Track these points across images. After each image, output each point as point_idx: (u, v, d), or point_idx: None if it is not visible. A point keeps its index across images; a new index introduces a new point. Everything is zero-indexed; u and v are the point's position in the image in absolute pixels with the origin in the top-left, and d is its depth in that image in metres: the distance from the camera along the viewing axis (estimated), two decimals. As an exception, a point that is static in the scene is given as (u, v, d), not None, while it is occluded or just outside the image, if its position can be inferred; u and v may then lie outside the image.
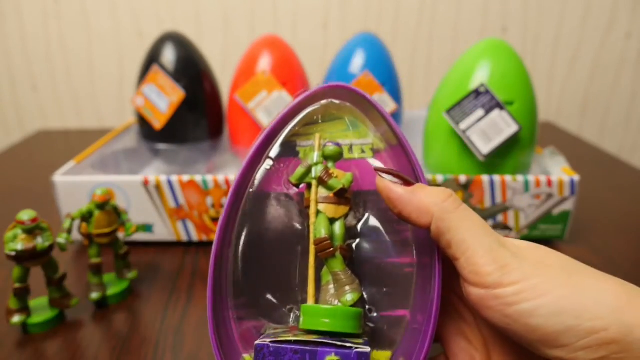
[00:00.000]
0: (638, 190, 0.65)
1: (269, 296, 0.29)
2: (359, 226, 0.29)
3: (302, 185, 0.29)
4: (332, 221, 0.28)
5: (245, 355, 0.28)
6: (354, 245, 0.29)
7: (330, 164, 0.29)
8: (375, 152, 0.29)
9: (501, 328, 0.22)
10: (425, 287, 0.26)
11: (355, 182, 0.29)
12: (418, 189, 0.24)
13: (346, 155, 0.29)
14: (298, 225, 0.29)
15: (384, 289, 0.28)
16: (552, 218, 0.49)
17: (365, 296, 0.28)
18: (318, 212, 0.28)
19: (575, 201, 0.49)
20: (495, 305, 0.22)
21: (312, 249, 0.27)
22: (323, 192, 0.28)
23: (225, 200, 0.28)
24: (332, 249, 0.26)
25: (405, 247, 0.28)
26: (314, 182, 0.28)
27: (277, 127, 0.29)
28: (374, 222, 0.29)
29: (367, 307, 0.28)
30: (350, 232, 0.29)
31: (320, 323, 0.25)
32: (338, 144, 0.29)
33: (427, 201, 0.24)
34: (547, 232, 0.50)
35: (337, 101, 0.29)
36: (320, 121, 0.29)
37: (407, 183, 0.25)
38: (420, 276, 0.27)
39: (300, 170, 0.28)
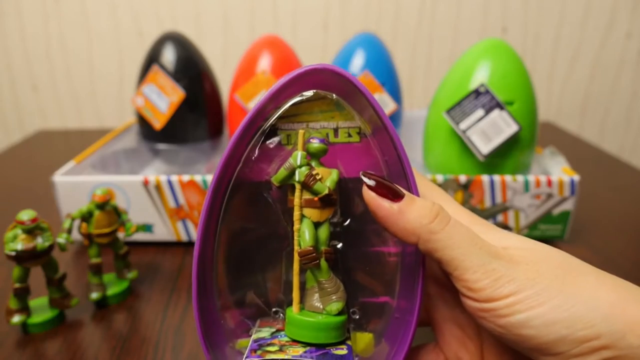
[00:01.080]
0: (638, 190, 0.65)
1: (254, 295, 0.29)
2: (345, 223, 0.28)
3: None
4: (317, 225, 0.27)
5: (240, 340, 0.28)
6: (339, 245, 0.28)
7: (314, 162, 0.27)
8: (362, 137, 0.27)
9: (496, 336, 0.23)
10: (410, 276, 0.26)
11: (340, 169, 0.28)
12: (405, 206, 0.23)
13: (331, 139, 0.27)
14: (282, 223, 0.28)
15: (368, 277, 0.28)
16: (552, 218, 0.49)
17: (350, 288, 0.28)
18: (302, 217, 0.27)
19: (575, 201, 0.49)
20: (488, 317, 0.22)
21: (296, 256, 0.27)
22: (307, 194, 0.27)
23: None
24: (317, 261, 0.26)
25: (390, 236, 0.28)
26: (297, 186, 0.27)
27: (256, 114, 0.26)
28: (359, 210, 0.28)
29: (351, 310, 0.28)
30: (336, 230, 0.28)
31: (304, 335, 0.26)
32: (322, 141, 0.27)
33: (413, 223, 0.23)
34: (547, 232, 0.50)
35: (322, 92, 0.27)
36: (305, 100, 0.27)
37: (394, 195, 0.24)
38: (405, 265, 0.27)
39: (282, 172, 0.27)
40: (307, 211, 0.26)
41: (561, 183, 0.48)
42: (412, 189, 0.25)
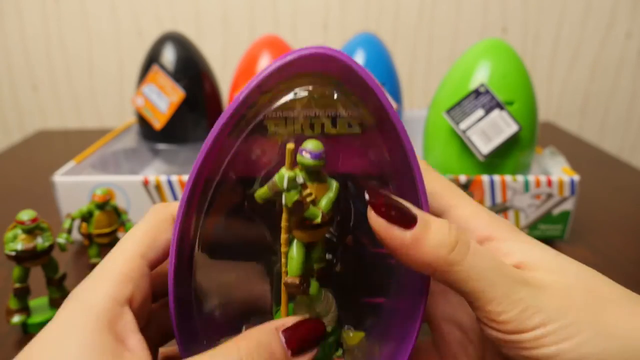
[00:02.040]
0: (638, 190, 0.65)
1: (241, 322, 0.26)
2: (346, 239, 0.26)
3: None
4: (308, 245, 0.23)
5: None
6: (334, 260, 0.26)
7: (303, 174, 0.22)
8: (364, 128, 0.23)
9: None
10: (412, 276, 0.24)
11: (338, 164, 0.24)
12: (421, 233, 0.20)
13: (328, 129, 0.23)
14: (268, 239, 0.25)
15: (367, 278, 0.26)
16: (552, 218, 0.49)
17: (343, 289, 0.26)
18: (291, 239, 0.23)
19: (575, 201, 0.49)
20: (513, 348, 0.20)
21: (284, 287, 0.23)
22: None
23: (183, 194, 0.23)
24: (305, 292, 0.23)
25: None
26: (284, 208, 0.22)
27: (241, 104, 0.22)
28: (357, 212, 0.25)
29: (345, 326, 0.26)
30: (332, 239, 0.26)
31: None
32: (318, 155, 0.21)
33: (430, 256, 0.20)
34: (547, 232, 0.50)
35: (319, 79, 0.23)
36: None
37: (406, 220, 0.20)
38: (404, 267, 0.25)
39: (266, 191, 0.22)
40: (297, 233, 0.22)
41: (561, 183, 0.48)
42: (419, 189, 0.22)
